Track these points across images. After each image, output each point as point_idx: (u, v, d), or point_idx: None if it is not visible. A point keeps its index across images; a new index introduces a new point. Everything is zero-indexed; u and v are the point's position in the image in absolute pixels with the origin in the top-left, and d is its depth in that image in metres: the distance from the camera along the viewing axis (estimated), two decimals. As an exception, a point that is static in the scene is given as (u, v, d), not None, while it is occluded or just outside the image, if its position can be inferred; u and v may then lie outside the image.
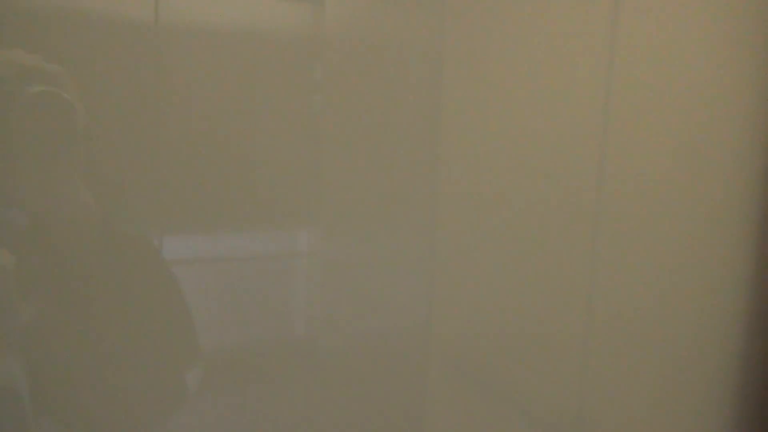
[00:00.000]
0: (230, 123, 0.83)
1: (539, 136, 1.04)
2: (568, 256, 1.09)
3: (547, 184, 1.06)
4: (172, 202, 0.80)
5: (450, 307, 1.02)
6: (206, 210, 0.82)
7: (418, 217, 0.97)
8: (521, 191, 1.05)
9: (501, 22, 0.99)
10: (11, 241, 0.72)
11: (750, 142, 1.22)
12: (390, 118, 0.93)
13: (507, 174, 1.03)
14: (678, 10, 1.10)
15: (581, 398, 1.16)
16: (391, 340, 0.97)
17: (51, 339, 0.75)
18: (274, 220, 0.88)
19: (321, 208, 0.91)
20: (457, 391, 1.04)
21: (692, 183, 1.19)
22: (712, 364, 1.27)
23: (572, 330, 1.12)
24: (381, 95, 0.91)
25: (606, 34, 1.07)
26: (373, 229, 0.94)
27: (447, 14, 0.95)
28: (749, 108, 1.21)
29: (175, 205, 0.80)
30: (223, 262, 0.87)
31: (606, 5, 1.05)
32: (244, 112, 0.84)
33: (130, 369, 0.78)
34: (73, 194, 0.72)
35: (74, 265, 0.74)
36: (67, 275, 0.74)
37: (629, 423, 1.19)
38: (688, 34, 1.12)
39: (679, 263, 1.20)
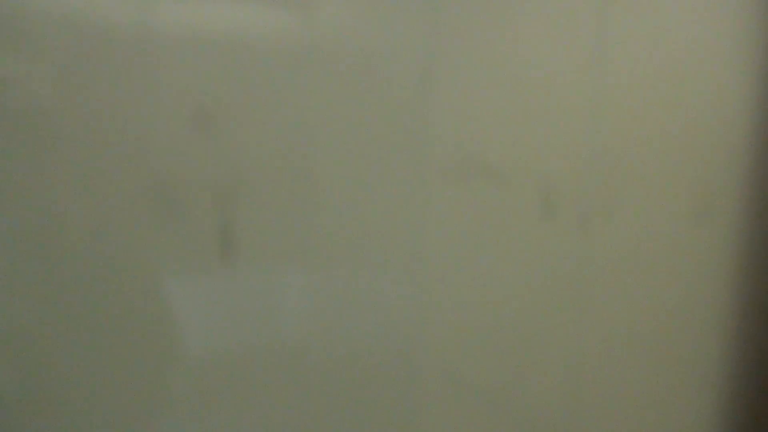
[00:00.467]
0: (218, 128, 0.83)
1: (529, 146, 1.05)
2: (558, 263, 1.10)
3: (536, 191, 1.06)
4: (158, 209, 0.80)
5: (440, 315, 1.02)
6: (194, 218, 0.83)
7: (408, 223, 0.97)
8: (510, 200, 1.05)
9: (491, 31, 1.00)
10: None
11: (735, 143, 1.24)
12: (380, 126, 0.93)
13: (495, 183, 1.03)
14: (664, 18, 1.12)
15: (571, 406, 1.15)
16: (381, 349, 0.97)
17: (35, 342, 0.75)
18: (264, 226, 0.88)
19: (312, 213, 0.90)
20: (448, 400, 1.04)
21: (680, 189, 1.20)
22: (700, 369, 1.27)
23: (562, 337, 1.12)
24: (370, 103, 0.92)
25: (594, 44, 1.07)
26: (363, 235, 0.94)
27: (437, 22, 0.95)
28: (734, 109, 1.22)
29: (162, 212, 0.81)
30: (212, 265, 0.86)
31: (594, 10, 1.06)
32: (231, 116, 0.84)
33: (113, 373, 0.79)
34: (59, 199, 0.73)
35: (61, 269, 0.76)
36: (53, 279, 0.75)
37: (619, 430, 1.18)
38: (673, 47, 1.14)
39: (667, 266, 1.20)
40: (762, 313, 1.28)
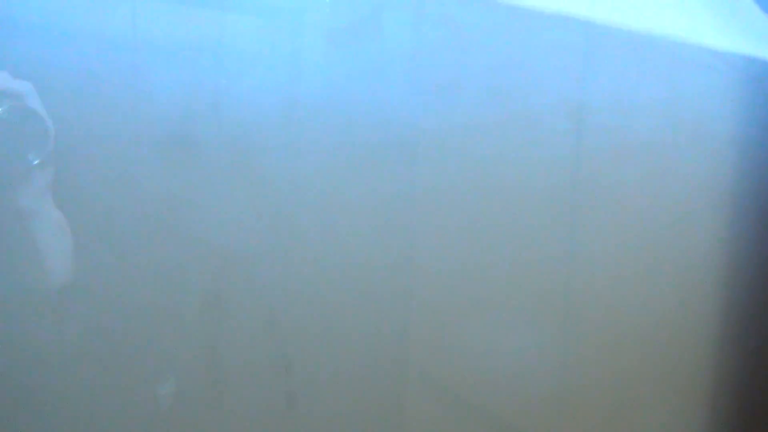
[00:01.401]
0: (206, 134, 0.81)
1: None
2: (547, 273, 1.10)
3: (524, 206, 1.06)
4: (144, 219, 0.79)
5: (428, 327, 1.01)
6: (181, 231, 0.81)
7: (396, 234, 0.96)
8: (495, 209, 1.05)
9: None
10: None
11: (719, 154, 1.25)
12: (370, 143, 0.92)
13: (484, 195, 1.03)
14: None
15: (559, 413, 1.16)
16: (368, 358, 0.96)
17: (23, 350, 0.74)
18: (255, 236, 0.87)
19: (302, 223, 0.89)
20: (435, 411, 1.03)
21: (669, 191, 1.20)
22: (689, 372, 1.29)
23: (551, 343, 1.13)
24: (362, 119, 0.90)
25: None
26: (352, 242, 0.93)
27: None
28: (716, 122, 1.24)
29: (147, 222, 0.79)
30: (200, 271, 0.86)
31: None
32: (220, 123, 0.82)
33: (102, 382, 0.78)
34: (46, 211, 0.71)
35: (47, 280, 0.73)
36: (39, 290, 0.73)
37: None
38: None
39: (656, 269, 1.21)
40: None
